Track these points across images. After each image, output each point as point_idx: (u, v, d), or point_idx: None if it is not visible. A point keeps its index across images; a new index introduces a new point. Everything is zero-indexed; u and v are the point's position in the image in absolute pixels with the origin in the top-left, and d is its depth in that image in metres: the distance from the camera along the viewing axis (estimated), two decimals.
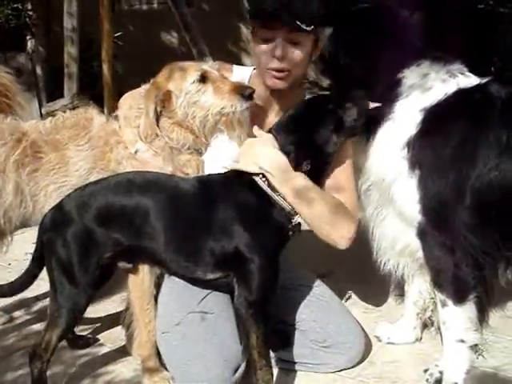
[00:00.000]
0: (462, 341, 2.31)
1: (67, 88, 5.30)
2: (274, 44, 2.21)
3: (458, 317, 2.30)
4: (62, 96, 5.46)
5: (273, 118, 2.42)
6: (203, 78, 2.27)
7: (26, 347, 2.57)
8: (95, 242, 2.09)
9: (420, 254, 2.33)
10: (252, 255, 2.02)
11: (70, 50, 5.39)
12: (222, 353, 2.14)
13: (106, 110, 5.14)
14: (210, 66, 2.34)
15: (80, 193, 2.16)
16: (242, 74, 2.50)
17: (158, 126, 2.31)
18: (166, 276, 2.37)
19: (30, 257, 3.40)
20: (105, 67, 4.91)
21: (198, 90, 2.27)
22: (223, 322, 2.23)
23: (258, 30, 2.26)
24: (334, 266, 3.29)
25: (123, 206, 2.10)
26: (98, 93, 5.00)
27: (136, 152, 2.32)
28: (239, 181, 2.11)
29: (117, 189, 2.14)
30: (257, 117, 2.38)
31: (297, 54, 2.24)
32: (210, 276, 2.13)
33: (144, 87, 2.42)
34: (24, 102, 2.66)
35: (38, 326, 2.75)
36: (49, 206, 2.38)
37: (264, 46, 2.24)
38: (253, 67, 2.52)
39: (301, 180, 2.07)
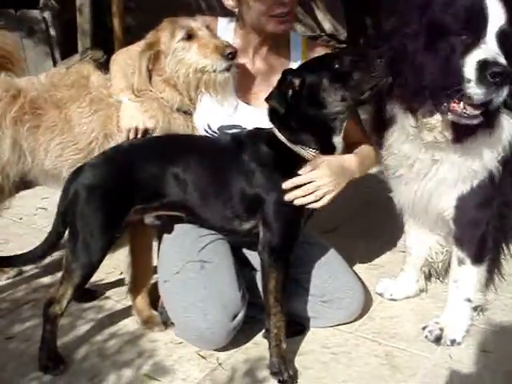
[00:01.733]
0: (469, 300, 2.34)
1: (81, 44, 5.26)
2: None
3: (472, 276, 2.32)
4: (76, 52, 5.42)
5: (259, 65, 2.45)
6: (189, 36, 2.30)
7: (34, 300, 2.66)
8: (127, 196, 2.17)
9: (451, 211, 2.31)
10: (277, 202, 2.11)
11: (82, 5, 5.32)
12: (221, 299, 2.21)
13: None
14: (199, 22, 2.34)
15: (113, 149, 2.29)
16: (226, 25, 2.49)
17: (150, 83, 2.38)
18: (168, 231, 2.43)
19: (40, 211, 3.55)
20: (115, 21, 4.86)
21: (183, 48, 2.31)
22: (222, 270, 2.28)
23: None
24: (338, 222, 3.31)
25: (160, 159, 2.20)
26: (111, 48, 4.95)
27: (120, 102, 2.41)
28: (263, 134, 2.21)
29: (153, 145, 2.29)
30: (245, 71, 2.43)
31: None
32: (246, 226, 2.20)
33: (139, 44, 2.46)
34: (22, 60, 2.70)
35: (48, 280, 2.84)
36: (50, 161, 2.47)
37: None
38: (233, 19, 2.49)
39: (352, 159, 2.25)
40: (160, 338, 2.39)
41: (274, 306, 2.13)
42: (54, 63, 5.91)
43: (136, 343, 2.35)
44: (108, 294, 2.73)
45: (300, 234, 2.19)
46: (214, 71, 2.28)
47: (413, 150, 2.23)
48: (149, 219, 2.34)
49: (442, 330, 2.35)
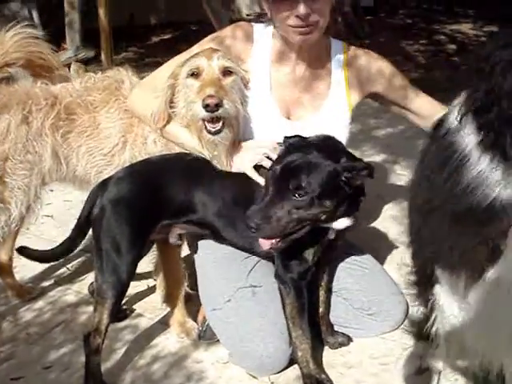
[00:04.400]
0: None
1: (69, 38, 4.99)
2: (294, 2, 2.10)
3: None
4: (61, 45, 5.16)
5: (302, 72, 2.34)
6: (195, 74, 2.15)
7: (64, 322, 2.56)
8: (154, 210, 2.13)
9: None
10: None
11: None
12: (277, 326, 2.17)
13: (103, 58, 4.95)
14: (210, 60, 2.14)
15: (140, 162, 2.25)
16: (262, 29, 2.37)
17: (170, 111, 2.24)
18: (207, 249, 2.35)
19: (47, 219, 3.41)
20: (101, 12, 4.65)
21: (187, 85, 2.16)
22: (273, 294, 2.22)
23: None
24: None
25: (189, 176, 2.17)
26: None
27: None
28: None
29: (182, 161, 2.22)
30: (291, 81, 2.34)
31: (319, 3, 2.13)
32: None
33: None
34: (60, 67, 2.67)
35: (72, 298, 2.73)
36: (81, 168, 2.44)
37: (283, 6, 2.13)
38: (269, 23, 2.36)
39: None
40: (205, 357, 2.32)
41: (294, 331, 2.12)
42: None
43: (182, 365, 2.28)
44: (139, 310, 2.64)
45: (314, 262, 2.14)
46: (196, 118, 2.11)
47: None
48: (172, 239, 2.28)
49: None
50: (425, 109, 2.40)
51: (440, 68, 6.71)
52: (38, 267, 2.97)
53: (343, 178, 1.88)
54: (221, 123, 2.09)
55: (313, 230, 1.99)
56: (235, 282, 2.26)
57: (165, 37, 8.52)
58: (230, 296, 2.23)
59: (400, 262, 2.94)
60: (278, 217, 1.84)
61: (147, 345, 2.40)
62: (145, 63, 6.80)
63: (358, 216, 2.08)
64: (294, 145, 1.96)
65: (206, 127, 2.10)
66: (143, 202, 2.13)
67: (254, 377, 2.21)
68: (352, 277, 2.38)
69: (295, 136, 2.02)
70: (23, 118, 2.32)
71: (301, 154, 1.88)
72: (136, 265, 2.14)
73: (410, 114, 2.47)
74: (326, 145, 1.97)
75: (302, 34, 2.18)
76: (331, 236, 2.08)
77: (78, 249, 3.08)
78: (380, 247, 3.02)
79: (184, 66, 2.18)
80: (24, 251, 2.29)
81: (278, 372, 2.21)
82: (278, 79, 2.33)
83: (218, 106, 2.04)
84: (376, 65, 2.40)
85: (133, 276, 2.14)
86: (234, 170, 2.19)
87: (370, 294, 2.36)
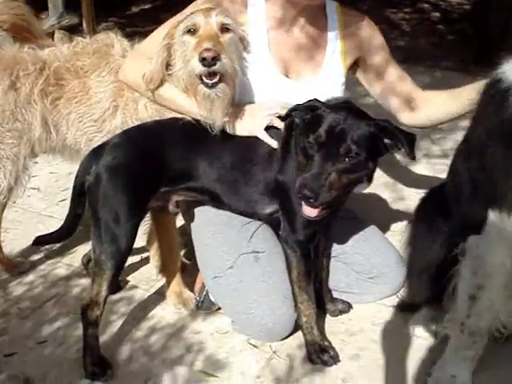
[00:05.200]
0: None
1: (52, 5, 4.82)
2: None
3: None
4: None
5: (298, 33, 2.27)
6: (192, 30, 2.03)
7: (56, 295, 2.48)
8: (152, 177, 2.05)
9: None
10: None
11: None
12: (282, 291, 2.13)
13: (84, 26, 4.80)
14: (208, 17, 2.03)
15: (136, 128, 2.17)
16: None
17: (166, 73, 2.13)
18: (204, 217, 2.28)
19: (33, 192, 3.32)
20: None
21: (184, 43, 2.05)
22: (275, 259, 2.18)
23: None
24: None
25: (188, 140, 2.10)
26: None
27: None
28: None
29: (180, 125, 2.12)
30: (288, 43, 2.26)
31: None
32: (268, 210, 2.12)
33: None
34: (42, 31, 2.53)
35: (64, 271, 2.65)
36: (71, 136, 2.33)
37: None
38: None
39: None
40: (203, 328, 2.27)
41: (299, 296, 2.09)
42: None
43: (180, 336, 2.22)
44: (133, 282, 2.57)
45: (323, 226, 2.10)
46: (193, 75, 1.99)
47: None
48: (171, 206, 2.21)
49: None
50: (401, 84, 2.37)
51: (425, 36, 6.66)
52: (27, 241, 2.88)
53: (384, 140, 1.85)
54: (218, 77, 1.98)
55: None
56: (237, 248, 2.20)
57: (145, 7, 8.32)
58: (232, 263, 2.18)
59: (394, 229, 2.93)
60: (331, 183, 1.78)
61: (144, 317, 2.34)
62: (125, 33, 6.63)
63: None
64: (321, 108, 1.87)
65: (202, 81, 2.00)
66: (141, 168, 2.04)
67: (255, 346, 2.17)
68: (351, 240, 2.35)
69: (313, 100, 1.92)
70: (11, 83, 2.21)
71: (340, 117, 1.81)
72: (135, 234, 2.05)
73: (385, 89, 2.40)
74: (353, 108, 1.91)
75: None
76: None
77: None
78: (372, 214, 2.96)
79: (180, 24, 2.08)
80: (40, 239, 2.26)
81: (282, 339, 2.18)
82: (276, 40, 2.25)
83: (216, 59, 1.94)
84: (375, 37, 2.36)
85: (132, 246, 2.05)
86: (244, 134, 2.10)
87: (370, 257, 2.33)
